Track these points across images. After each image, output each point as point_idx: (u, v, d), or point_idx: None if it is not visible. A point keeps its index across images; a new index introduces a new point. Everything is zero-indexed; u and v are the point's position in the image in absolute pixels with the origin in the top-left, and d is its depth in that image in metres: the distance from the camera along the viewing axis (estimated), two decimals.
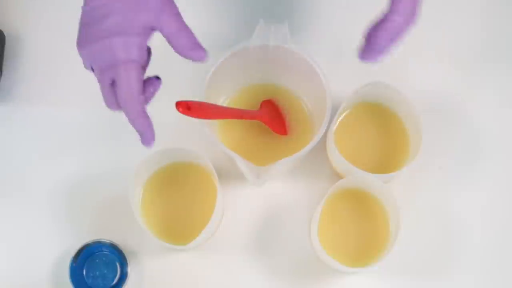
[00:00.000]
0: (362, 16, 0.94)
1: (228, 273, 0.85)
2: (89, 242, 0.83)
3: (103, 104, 0.89)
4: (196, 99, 0.74)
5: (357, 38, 0.92)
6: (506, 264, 0.86)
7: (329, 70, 0.80)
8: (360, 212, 0.84)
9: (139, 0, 0.67)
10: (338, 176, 0.86)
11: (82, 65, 0.91)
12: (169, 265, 0.85)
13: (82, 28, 0.68)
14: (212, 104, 0.79)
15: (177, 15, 0.69)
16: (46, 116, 0.90)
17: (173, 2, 0.69)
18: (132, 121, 0.68)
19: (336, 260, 0.78)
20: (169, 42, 0.69)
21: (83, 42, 0.68)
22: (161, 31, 0.68)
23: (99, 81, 0.69)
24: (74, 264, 0.82)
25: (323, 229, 0.81)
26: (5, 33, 0.91)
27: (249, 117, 0.84)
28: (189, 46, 0.68)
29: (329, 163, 0.88)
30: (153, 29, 0.68)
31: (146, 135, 0.69)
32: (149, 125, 0.69)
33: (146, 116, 0.68)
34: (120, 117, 0.89)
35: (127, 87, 0.67)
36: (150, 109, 0.89)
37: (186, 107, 0.71)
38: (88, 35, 0.67)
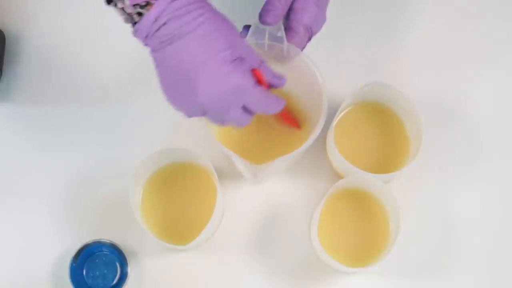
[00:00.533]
0: (362, 16, 0.94)
1: (228, 273, 0.85)
2: (89, 242, 0.83)
3: (103, 104, 0.90)
4: None
5: (357, 38, 0.93)
6: (506, 264, 0.86)
7: (329, 70, 0.80)
8: (360, 212, 0.84)
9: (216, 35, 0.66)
10: (338, 176, 0.86)
11: (83, 67, 0.91)
12: (169, 265, 0.85)
13: (178, 81, 0.67)
14: None
15: (252, 49, 0.70)
16: (46, 116, 0.90)
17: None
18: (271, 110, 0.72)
19: (336, 260, 0.79)
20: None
21: (198, 93, 0.67)
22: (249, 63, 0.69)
23: (229, 117, 0.69)
24: (74, 264, 0.82)
25: (323, 229, 0.81)
26: (5, 33, 0.91)
27: None
28: (273, 75, 0.71)
29: (329, 163, 0.88)
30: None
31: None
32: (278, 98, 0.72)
33: (275, 97, 0.71)
34: (120, 117, 0.89)
35: (265, 104, 0.70)
36: (151, 109, 0.90)
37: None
38: (198, 83, 0.66)
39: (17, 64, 0.91)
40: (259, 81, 0.70)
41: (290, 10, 0.78)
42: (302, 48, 0.79)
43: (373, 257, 0.82)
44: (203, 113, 0.69)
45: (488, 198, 0.88)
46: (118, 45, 0.91)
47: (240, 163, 0.77)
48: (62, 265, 0.84)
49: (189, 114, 0.70)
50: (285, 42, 0.78)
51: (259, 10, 0.77)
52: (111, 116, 0.90)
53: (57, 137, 0.90)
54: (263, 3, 0.84)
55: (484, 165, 0.89)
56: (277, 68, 0.83)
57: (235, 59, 0.67)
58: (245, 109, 0.70)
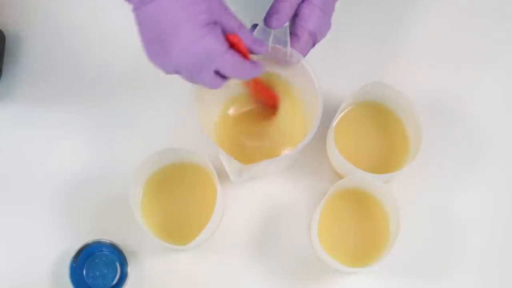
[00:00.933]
0: (362, 16, 0.94)
1: (228, 273, 0.85)
2: (89, 242, 0.83)
3: (103, 104, 0.90)
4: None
5: (357, 38, 0.93)
6: (506, 264, 0.86)
7: (329, 70, 0.80)
8: (360, 212, 0.84)
9: (189, 6, 0.68)
10: (338, 176, 0.86)
11: (83, 67, 0.91)
12: (169, 265, 0.85)
13: (155, 40, 0.69)
14: None
15: (230, 13, 0.71)
16: (46, 116, 0.90)
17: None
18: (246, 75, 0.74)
19: (336, 260, 0.79)
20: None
21: (171, 53, 0.69)
22: (225, 27, 0.70)
23: (200, 79, 0.71)
24: (74, 264, 0.82)
25: (323, 229, 0.81)
26: (5, 33, 0.91)
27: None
28: (252, 41, 0.72)
29: (329, 163, 0.88)
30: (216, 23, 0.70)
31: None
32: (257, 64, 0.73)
33: (251, 63, 0.73)
34: (120, 117, 0.90)
35: (238, 69, 0.71)
36: (151, 109, 0.90)
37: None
38: (172, 44, 0.68)
39: (17, 64, 0.91)
40: (233, 46, 0.70)
41: (296, 15, 0.78)
42: (305, 54, 0.79)
43: (373, 257, 0.82)
44: (178, 72, 0.71)
45: (488, 198, 0.88)
46: (118, 45, 0.91)
47: (225, 159, 0.77)
48: (62, 265, 0.84)
49: (166, 71, 0.72)
50: (289, 47, 0.78)
51: (262, 11, 0.77)
52: (111, 116, 0.90)
53: (57, 137, 0.90)
54: (266, 4, 0.84)
55: (484, 165, 0.89)
56: (278, 71, 0.83)
57: (209, 23, 0.68)
58: (218, 73, 0.71)
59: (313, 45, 0.80)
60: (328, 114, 0.82)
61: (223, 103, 0.86)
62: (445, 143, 0.89)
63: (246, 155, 0.84)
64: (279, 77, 0.84)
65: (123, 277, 0.83)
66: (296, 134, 0.84)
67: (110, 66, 0.91)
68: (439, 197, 0.88)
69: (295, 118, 0.86)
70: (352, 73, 0.90)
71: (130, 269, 0.83)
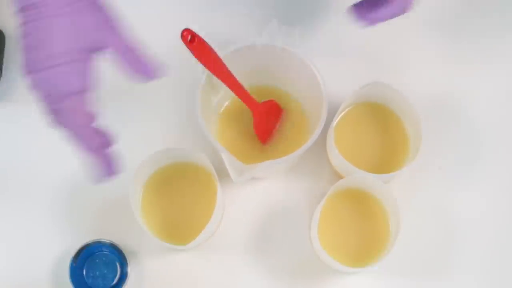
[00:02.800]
0: None
1: (228, 273, 0.85)
2: (89, 242, 0.83)
3: (103, 104, 0.90)
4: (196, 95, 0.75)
5: (357, 38, 0.93)
6: (506, 264, 0.86)
7: (329, 70, 0.80)
8: (360, 212, 0.84)
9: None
10: (338, 176, 0.86)
11: None
12: (169, 265, 0.85)
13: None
14: (216, 56, 0.76)
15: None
16: (46, 116, 0.90)
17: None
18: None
19: (336, 260, 0.79)
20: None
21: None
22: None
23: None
24: (74, 264, 0.82)
25: (323, 229, 0.81)
26: (5, 33, 0.91)
27: (245, 99, 0.81)
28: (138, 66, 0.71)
29: (329, 163, 0.88)
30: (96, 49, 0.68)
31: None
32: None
33: None
34: (120, 117, 0.90)
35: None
36: (151, 109, 0.90)
37: (191, 36, 0.70)
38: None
39: (17, 64, 0.91)
40: None
41: None
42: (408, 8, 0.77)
43: (373, 257, 0.82)
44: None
45: (488, 198, 0.88)
46: None
47: (227, 158, 0.76)
48: (62, 265, 0.84)
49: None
50: (298, 47, 0.78)
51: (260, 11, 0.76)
52: (111, 116, 0.89)
53: (57, 137, 0.89)
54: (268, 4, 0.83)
55: (484, 165, 0.89)
56: (282, 71, 0.83)
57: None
58: None
59: None
60: (328, 114, 0.82)
61: (226, 100, 0.86)
62: (445, 143, 0.89)
63: (249, 155, 0.84)
64: (283, 79, 0.85)
65: (123, 277, 0.83)
66: (298, 137, 0.84)
67: (110, 66, 0.90)
68: (439, 197, 0.88)
69: (297, 121, 0.86)
70: (352, 73, 0.90)
71: (130, 269, 0.83)
